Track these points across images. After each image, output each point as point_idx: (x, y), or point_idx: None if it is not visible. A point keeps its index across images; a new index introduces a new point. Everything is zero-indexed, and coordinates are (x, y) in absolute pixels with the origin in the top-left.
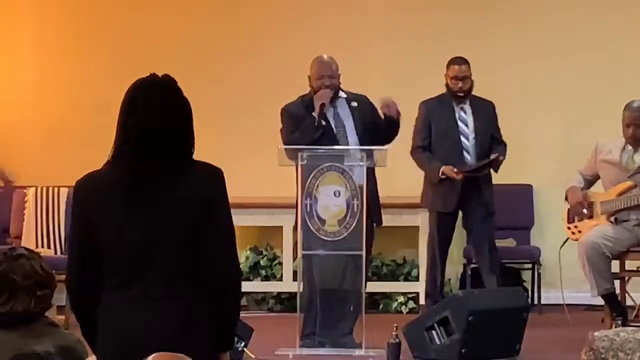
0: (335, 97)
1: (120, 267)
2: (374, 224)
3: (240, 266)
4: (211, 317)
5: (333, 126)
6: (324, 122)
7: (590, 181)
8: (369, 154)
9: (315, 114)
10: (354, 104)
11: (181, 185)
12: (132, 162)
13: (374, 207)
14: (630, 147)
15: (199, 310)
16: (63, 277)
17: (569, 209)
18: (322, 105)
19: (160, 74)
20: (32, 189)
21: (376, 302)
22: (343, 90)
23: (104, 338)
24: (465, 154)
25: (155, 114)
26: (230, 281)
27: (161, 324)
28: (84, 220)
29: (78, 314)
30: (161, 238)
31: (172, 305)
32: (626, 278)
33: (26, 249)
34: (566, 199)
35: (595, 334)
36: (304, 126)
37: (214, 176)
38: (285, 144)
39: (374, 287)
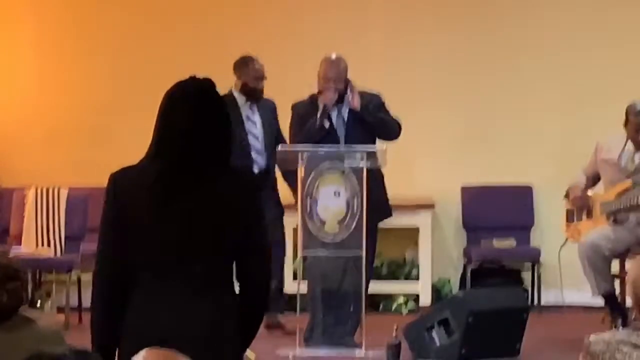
0: (341, 99)
1: (151, 265)
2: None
3: None
4: (239, 318)
5: (336, 128)
6: (327, 125)
7: (593, 180)
8: (369, 154)
9: (318, 116)
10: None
11: (215, 189)
12: (168, 163)
13: (380, 203)
14: (631, 148)
15: (228, 310)
16: (64, 277)
17: (567, 210)
18: (325, 108)
19: (200, 77)
20: (32, 189)
21: (376, 302)
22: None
23: (131, 333)
24: None
25: (192, 117)
26: (261, 290)
27: (191, 323)
28: (118, 213)
29: (102, 308)
30: (193, 239)
31: (202, 304)
32: (626, 278)
33: None
34: (566, 196)
35: (591, 337)
36: (306, 128)
37: (248, 186)
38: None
39: (374, 287)
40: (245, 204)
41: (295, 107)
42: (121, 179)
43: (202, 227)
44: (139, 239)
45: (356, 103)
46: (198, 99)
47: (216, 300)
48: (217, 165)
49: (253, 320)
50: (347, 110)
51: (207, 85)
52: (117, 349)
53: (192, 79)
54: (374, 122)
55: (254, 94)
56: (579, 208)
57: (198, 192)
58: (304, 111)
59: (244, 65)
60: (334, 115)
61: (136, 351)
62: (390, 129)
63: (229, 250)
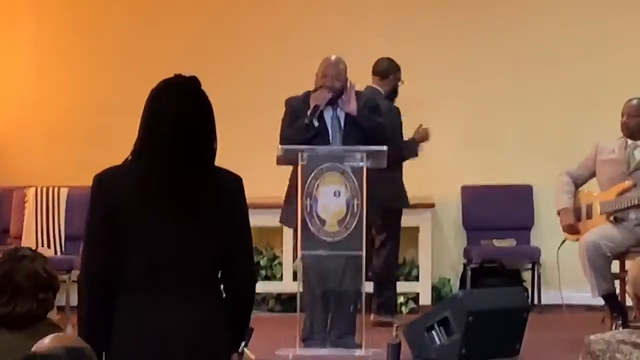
0: (337, 99)
1: (140, 266)
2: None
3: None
4: (228, 319)
5: (329, 128)
6: (316, 124)
7: (582, 181)
8: (369, 154)
9: (309, 114)
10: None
11: (203, 188)
12: (154, 162)
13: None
14: (630, 143)
15: (218, 310)
16: (63, 277)
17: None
18: (316, 107)
19: (185, 74)
20: (32, 189)
21: None
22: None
23: (123, 338)
24: None
25: (178, 114)
26: (249, 291)
27: (183, 324)
28: (104, 214)
29: (90, 314)
30: (181, 239)
31: (193, 304)
32: (626, 278)
33: (30, 249)
34: (558, 213)
35: (591, 337)
36: (297, 125)
37: (235, 186)
38: (280, 138)
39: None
40: (232, 204)
41: (288, 101)
42: (106, 180)
43: (190, 227)
44: (126, 239)
45: (352, 107)
46: (184, 96)
47: (206, 300)
48: (204, 164)
49: (241, 320)
50: (343, 113)
51: (192, 83)
52: (106, 352)
53: (177, 76)
54: (370, 127)
55: (395, 96)
56: (571, 232)
57: (185, 191)
58: (297, 107)
59: (398, 69)
60: (328, 115)
61: (129, 353)
62: (386, 136)
63: (216, 250)
